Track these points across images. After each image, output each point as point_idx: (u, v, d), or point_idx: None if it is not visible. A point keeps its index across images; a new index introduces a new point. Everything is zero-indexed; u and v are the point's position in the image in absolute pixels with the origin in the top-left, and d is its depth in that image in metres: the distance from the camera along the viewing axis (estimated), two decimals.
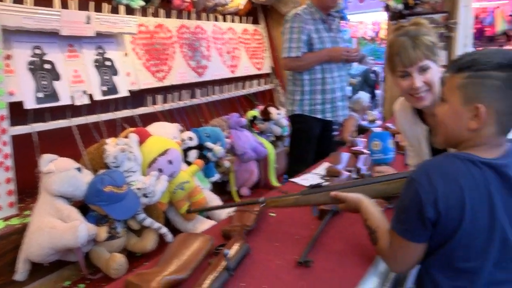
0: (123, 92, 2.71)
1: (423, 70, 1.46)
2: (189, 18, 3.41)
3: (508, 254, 1.02)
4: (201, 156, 2.86)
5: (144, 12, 3.01)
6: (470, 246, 1.01)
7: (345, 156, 2.10)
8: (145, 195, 2.20)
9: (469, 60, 1.04)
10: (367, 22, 9.37)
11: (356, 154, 2.18)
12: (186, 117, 3.25)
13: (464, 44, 5.09)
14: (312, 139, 2.94)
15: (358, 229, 1.25)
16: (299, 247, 1.28)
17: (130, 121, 2.77)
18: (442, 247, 1.04)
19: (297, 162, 2.86)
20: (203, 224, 2.46)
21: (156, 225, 2.25)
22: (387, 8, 4.49)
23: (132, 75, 2.82)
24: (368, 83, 7.92)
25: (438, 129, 1.16)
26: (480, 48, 1.18)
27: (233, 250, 1.17)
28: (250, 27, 4.16)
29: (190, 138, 2.85)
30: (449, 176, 1.00)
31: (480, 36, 9.43)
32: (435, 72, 1.47)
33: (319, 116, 2.87)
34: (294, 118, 2.97)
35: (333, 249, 1.30)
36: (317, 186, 1.38)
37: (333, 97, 2.86)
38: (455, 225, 1.00)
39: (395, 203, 1.12)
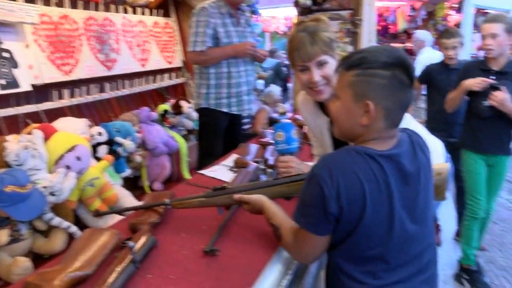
0: (25, 86, 2.57)
1: (321, 64, 1.53)
2: (96, 9, 3.30)
3: (407, 239, 1.10)
4: (111, 152, 2.80)
5: (46, 1, 2.87)
6: (372, 236, 1.06)
7: (253, 147, 2.17)
8: (52, 194, 2.13)
9: (359, 58, 1.09)
10: (280, 17, 9.57)
11: (264, 145, 2.26)
12: (95, 112, 3.16)
13: (368, 39, 5.41)
14: (219, 132, 2.97)
15: (263, 218, 1.31)
16: (206, 237, 1.31)
17: (34, 117, 2.64)
18: (344, 242, 1.09)
19: (206, 155, 2.88)
20: (114, 220, 2.42)
21: (65, 224, 2.18)
22: (296, 3, 4.65)
23: (35, 68, 2.68)
24: (280, 76, 8.14)
25: (335, 124, 1.21)
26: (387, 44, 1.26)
27: (139, 243, 1.18)
28: (161, 20, 4.11)
29: (100, 134, 2.79)
30: (349, 170, 1.04)
31: (385, 33, 10.05)
32: (333, 66, 1.54)
33: (225, 109, 2.90)
34: (200, 112, 2.99)
35: (239, 237, 1.35)
36: (221, 188, 1.41)
37: (239, 91, 2.90)
38: (357, 218, 1.04)
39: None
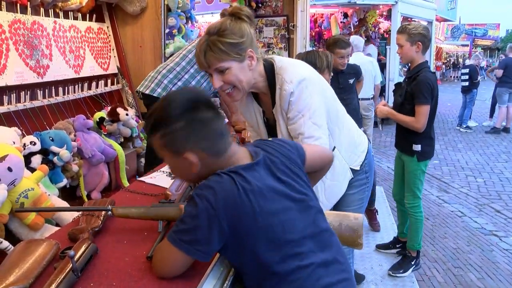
0: None
1: (221, 71, 1.51)
2: (23, 12, 3.15)
3: None
4: (46, 161, 2.70)
5: None
6: None
7: None
8: None
9: (152, 122, 1.14)
10: None
11: None
12: (27, 120, 3.03)
13: (303, 44, 5.56)
14: None
15: None
16: (148, 243, 1.31)
17: None
18: None
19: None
20: (51, 233, 2.34)
21: None
22: None
23: None
24: None
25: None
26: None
27: (80, 251, 1.16)
28: (95, 25, 4.01)
29: (33, 143, 2.68)
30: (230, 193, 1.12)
31: (319, 39, 10.34)
32: (238, 69, 1.52)
33: None
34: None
35: None
36: (168, 202, 1.41)
37: None
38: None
39: None
